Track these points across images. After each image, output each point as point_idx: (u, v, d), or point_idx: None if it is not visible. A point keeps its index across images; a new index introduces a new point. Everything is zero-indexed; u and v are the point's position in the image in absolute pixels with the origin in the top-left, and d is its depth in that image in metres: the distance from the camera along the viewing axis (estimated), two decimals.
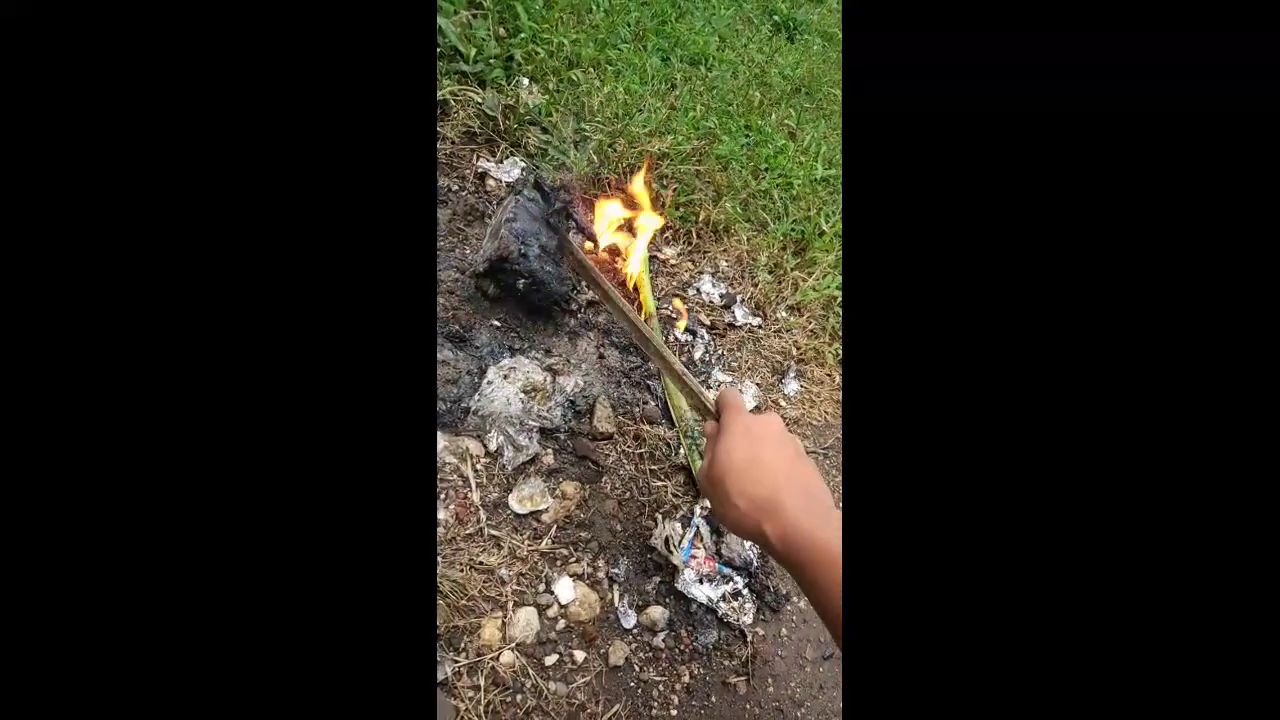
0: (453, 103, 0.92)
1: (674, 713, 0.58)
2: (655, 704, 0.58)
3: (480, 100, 0.94)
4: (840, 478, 0.82)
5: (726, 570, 0.67)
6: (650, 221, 0.78)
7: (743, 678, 0.62)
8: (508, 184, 0.89)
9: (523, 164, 0.91)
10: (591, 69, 1.07)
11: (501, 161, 0.92)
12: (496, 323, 0.74)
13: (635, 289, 0.83)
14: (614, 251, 0.84)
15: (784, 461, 0.45)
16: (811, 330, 0.92)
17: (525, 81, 1.01)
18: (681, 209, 0.95)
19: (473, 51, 0.95)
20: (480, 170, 0.90)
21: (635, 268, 0.81)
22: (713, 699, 0.61)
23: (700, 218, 0.95)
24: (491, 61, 0.98)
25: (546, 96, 0.99)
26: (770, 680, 0.64)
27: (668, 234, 0.95)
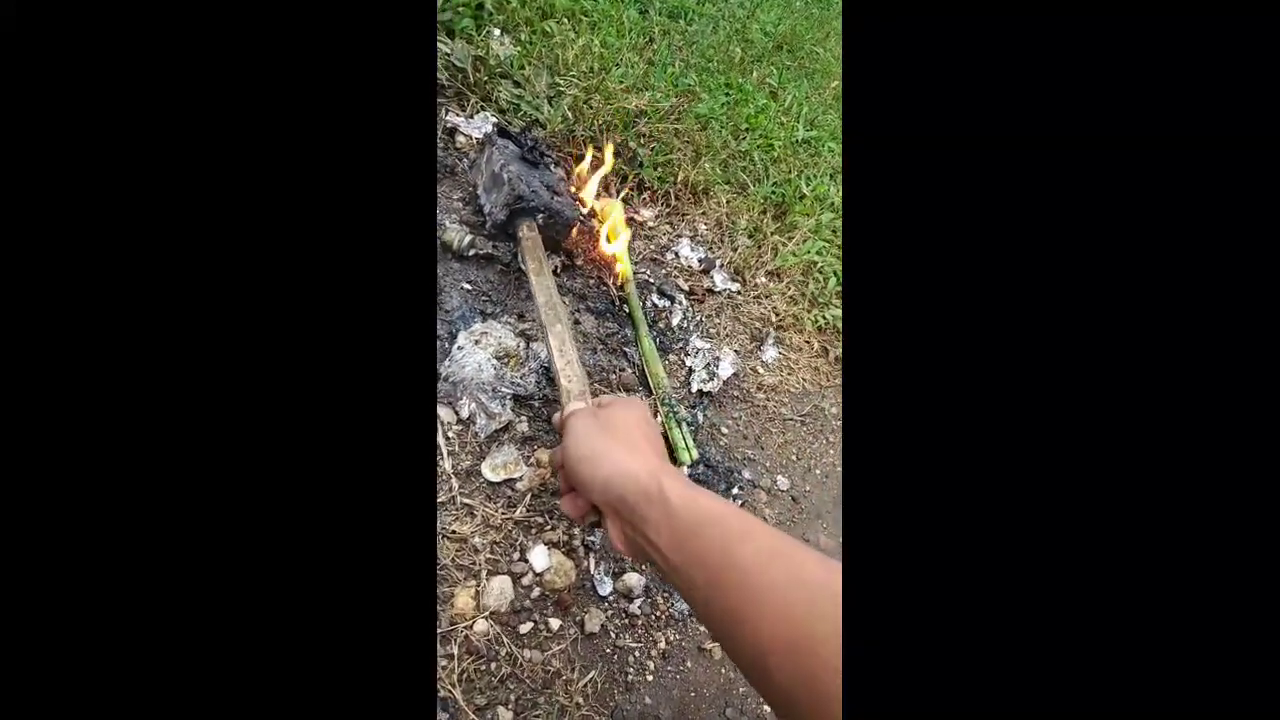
0: None
1: (650, 678, 0.59)
2: (631, 670, 0.58)
3: (449, 51, 0.89)
4: (817, 444, 0.82)
5: None
6: (617, 214, 0.81)
7: (718, 643, 0.63)
8: (478, 140, 0.85)
9: (494, 119, 0.87)
10: (566, 19, 1.02)
11: (471, 116, 0.87)
12: (467, 286, 0.71)
13: (614, 258, 0.81)
14: (593, 214, 0.82)
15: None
16: (791, 296, 0.91)
17: (496, 32, 0.95)
18: (659, 169, 0.92)
19: None
20: (449, 125, 0.85)
21: (620, 247, 0.80)
22: (688, 664, 0.61)
23: (679, 178, 0.92)
24: (460, 9, 0.92)
25: (519, 48, 0.94)
26: None
27: (645, 195, 0.92)
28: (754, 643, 0.31)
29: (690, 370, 0.78)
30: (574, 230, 0.76)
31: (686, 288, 0.85)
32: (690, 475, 0.70)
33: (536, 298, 0.62)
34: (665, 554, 0.37)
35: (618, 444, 0.43)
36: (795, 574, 0.31)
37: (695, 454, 0.70)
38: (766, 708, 0.63)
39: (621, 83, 0.96)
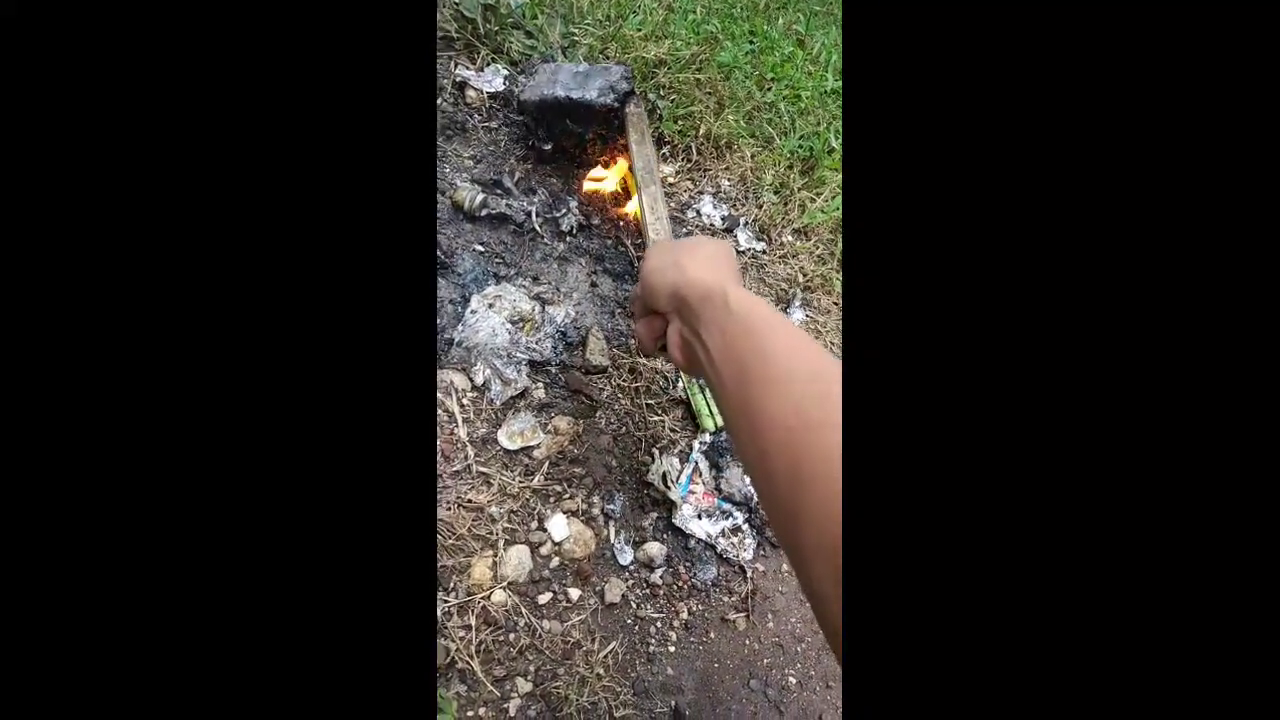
0: None
1: (671, 649, 0.57)
2: (653, 641, 0.57)
3: (457, 0, 0.84)
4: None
5: (726, 505, 0.65)
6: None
7: (742, 614, 0.61)
8: (489, 94, 0.81)
9: (505, 72, 0.83)
10: None
11: (482, 69, 0.83)
12: (480, 247, 0.68)
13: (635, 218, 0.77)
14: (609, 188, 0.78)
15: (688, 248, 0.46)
16: (819, 256, 0.86)
17: None
18: (680, 122, 0.87)
19: None
20: (459, 79, 0.81)
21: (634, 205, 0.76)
22: (711, 635, 0.59)
23: (701, 131, 0.87)
24: None
25: None
26: (770, 616, 0.62)
27: (664, 150, 0.87)
28: (761, 425, 0.31)
29: None
30: (610, 119, 0.75)
31: None
32: (714, 443, 0.68)
33: (635, 162, 0.71)
34: (712, 354, 0.37)
35: (693, 259, 0.44)
36: (819, 369, 0.31)
37: (719, 421, 0.67)
38: (791, 679, 0.61)
39: (639, 30, 0.91)
